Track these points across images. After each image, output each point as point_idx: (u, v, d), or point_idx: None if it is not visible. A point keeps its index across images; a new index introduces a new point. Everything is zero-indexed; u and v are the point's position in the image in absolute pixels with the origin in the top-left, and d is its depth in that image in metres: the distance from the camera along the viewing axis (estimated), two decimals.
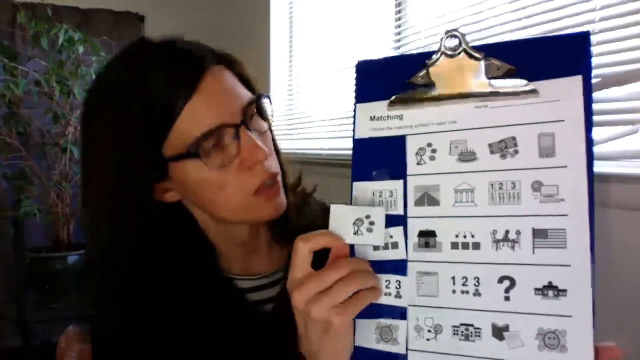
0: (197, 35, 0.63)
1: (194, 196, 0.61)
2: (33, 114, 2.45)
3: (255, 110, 0.61)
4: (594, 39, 1.08)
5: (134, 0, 3.05)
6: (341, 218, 0.51)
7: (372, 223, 0.51)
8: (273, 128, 0.66)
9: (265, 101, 0.63)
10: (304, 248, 0.50)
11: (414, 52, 1.67)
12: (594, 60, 1.08)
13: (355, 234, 0.51)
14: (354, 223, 0.51)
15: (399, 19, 1.77)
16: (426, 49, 1.60)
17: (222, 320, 0.62)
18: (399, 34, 1.78)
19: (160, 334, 0.59)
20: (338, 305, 0.48)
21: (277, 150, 0.65)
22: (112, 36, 2.85)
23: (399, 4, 1.77)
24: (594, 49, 1.08)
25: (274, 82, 2.58)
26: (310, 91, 2.38)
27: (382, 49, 1.89)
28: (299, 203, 0.72)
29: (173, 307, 0.60)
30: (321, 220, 0.74)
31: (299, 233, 0.69)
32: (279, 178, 0.62)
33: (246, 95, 0.60)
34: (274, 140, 0.65)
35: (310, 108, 2.35)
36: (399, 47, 1.77)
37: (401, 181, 0.53)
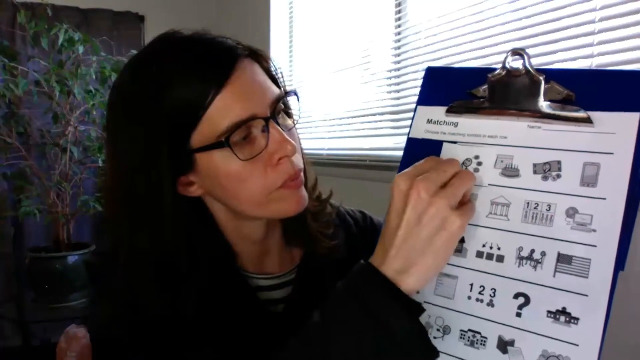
0: None
1: (220, 188, 0.60)
2: (33, 114, 2.45)
3: (282, 106, 0.61)
4: (594, 39, 1.08)
5: (134, 0, 3.05)
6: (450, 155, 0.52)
7: (479, 164, 0.51)
8: None
9: (292, 98, 0.63)
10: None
11: (414, 52, 1.68)
12: (594, 61, 1.09)
13: None
14: (463, 163, 0.52)
15: (399, 19, 1.77)
16: (426, 49, 1.61)
17: (233, 317, 0.62)
18: (399, 34, 1.78)
19: (170, 329, 0.59)
20: (459, 207, 0.47)
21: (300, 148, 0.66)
22: (112, 36, 2.85)
23: (399, 4, 1.78)
24: (594, 49, 1.08)
25: None
26: (310, 91, 2.38)
27: (382, 49, 1.89)
28: (315, 210, 0.72)
29: (184, 302, 0.59)
30: (337, 223, 0.74)
31: (313, 238, 0.71)
32: (302, 175, 0.63)
33: (275, 90, 0.60)
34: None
35: (310, 108, 2.35)
36: (399, 47, 1.78)
37: None
